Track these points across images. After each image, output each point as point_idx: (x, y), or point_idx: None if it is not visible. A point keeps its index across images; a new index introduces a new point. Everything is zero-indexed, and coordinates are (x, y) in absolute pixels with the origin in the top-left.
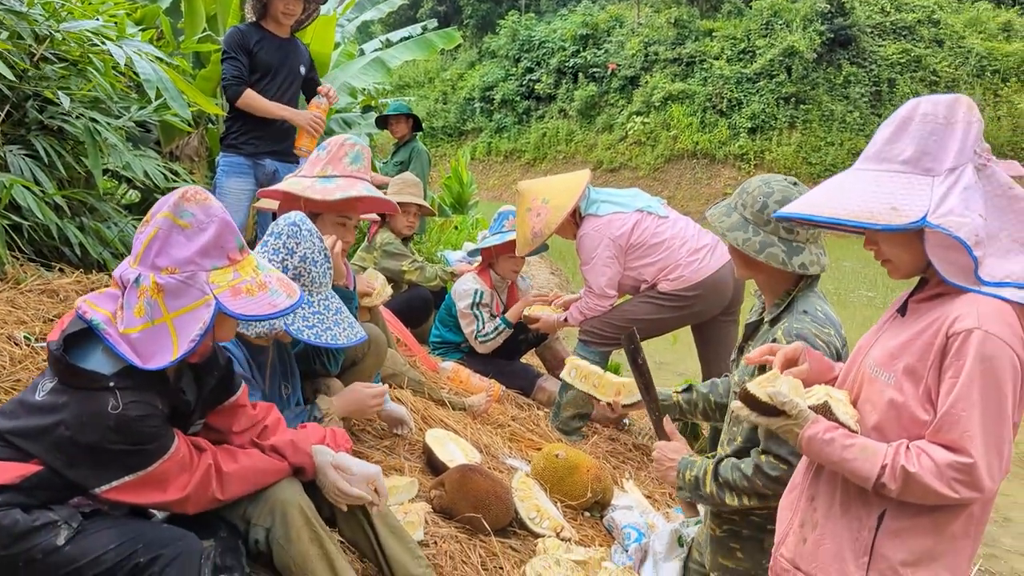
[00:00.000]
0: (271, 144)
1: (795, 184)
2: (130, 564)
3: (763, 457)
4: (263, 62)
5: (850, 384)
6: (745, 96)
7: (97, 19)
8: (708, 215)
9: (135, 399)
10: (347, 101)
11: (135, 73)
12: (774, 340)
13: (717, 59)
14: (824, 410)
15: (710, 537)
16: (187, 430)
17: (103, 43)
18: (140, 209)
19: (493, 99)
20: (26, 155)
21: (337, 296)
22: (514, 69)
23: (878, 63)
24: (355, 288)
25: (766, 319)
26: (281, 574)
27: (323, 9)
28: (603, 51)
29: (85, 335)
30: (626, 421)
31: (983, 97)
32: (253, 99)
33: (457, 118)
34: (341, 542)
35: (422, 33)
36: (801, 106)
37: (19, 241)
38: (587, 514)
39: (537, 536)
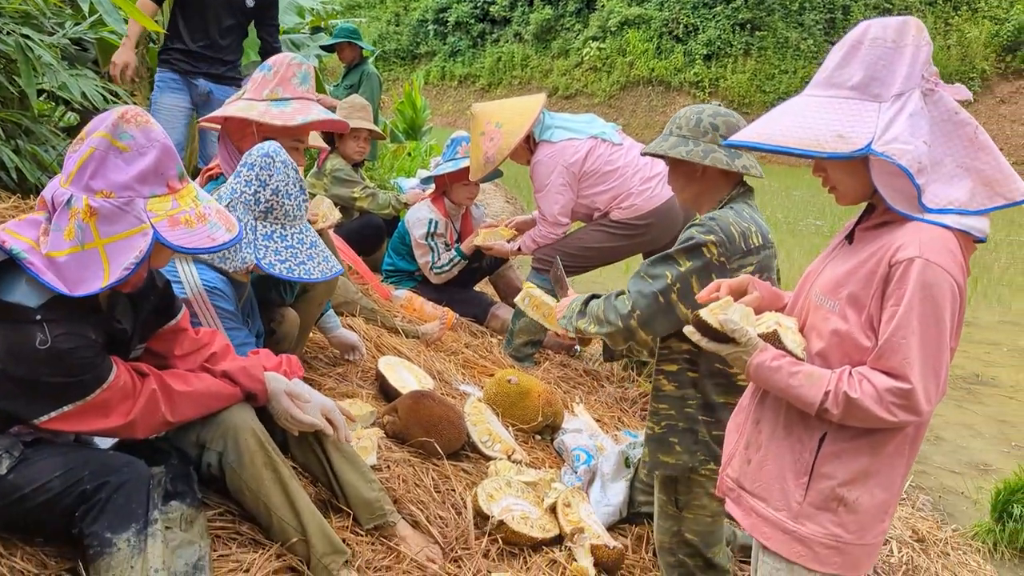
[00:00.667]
0: (206, 64)
1: (721, 105)
2: (76, 491)
3: (622, 296)
4: None
5: (798, 312)
6: (701, 22)
7: None
8: (644, 151)
9: (65, 331)
10: (295, 22)
11: None
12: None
13: None
14: (773, 338)
15: (649, 437)
16: (127, 356)
17: None
18: (78, 132)
19: (447, 21)
20: None
21: (312, 230)
22: None
23: None
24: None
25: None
26: (234, 498)
27: None
28: None
29: (8, 266)
30: (577, 348)
31: (934, 25)
32: (135, 14)
33: (410, 41)
34: (294, 467)
35: None
36: (756, 33)
37: None
38: (538, 437)
39: (489, 459)
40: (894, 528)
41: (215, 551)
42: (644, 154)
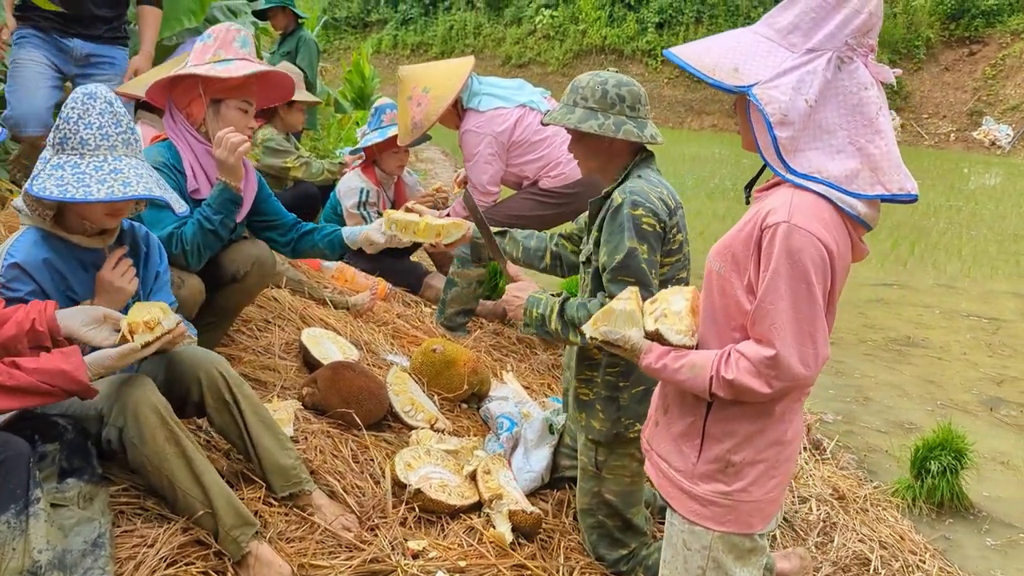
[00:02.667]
0: (79, 25)
1: (618, 72)
2: None
3: (607, 299)
4: None
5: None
6: None
7: None
8: (546, 120)
9: None
10: None
11: None
12: (610, 201)
13: None
14: (657, 336)
15: (577, 400)
16: None
17: None
18: None
19: None
20: None
21: (128, 160)
22: None
23: None
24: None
25: (605, 193)
26: (136, 472)
27: None
28: None
29: None
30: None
31: None
32: None
33: (360, 8)
34: (200, 430)
35: None
36: (707, 1)
37: None
38: (464, 406)
39: (411, 429)
40: (814, 487)
41: (119, 527)
42: (546, 124)
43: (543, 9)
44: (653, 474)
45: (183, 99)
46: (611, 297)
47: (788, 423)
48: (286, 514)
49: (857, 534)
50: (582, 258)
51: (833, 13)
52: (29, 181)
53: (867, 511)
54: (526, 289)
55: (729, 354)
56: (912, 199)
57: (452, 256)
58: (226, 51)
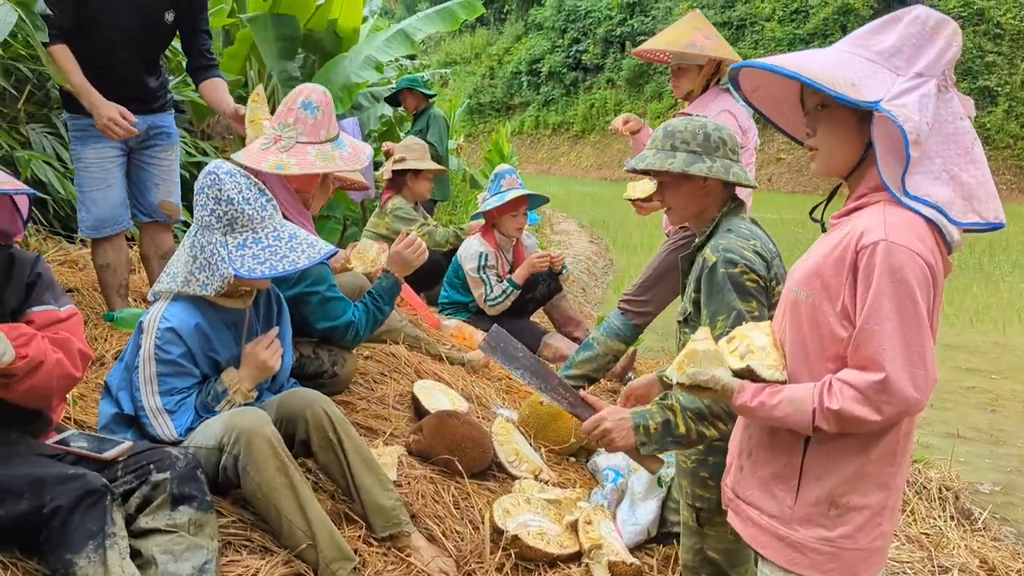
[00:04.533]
0: (134, 99)
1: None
2: (37, 515)
3: None
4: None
5: (780, 309)
6: None
7: None
8: (639, 166)
9: None
10: (375, 77)
11: None
12: (703, 260)
13: (768, 21)
14: (748, 373)
15: (682, 470)
16: None
17: None
18: None
19: (540, 72)
20: (48, 133)
21: (290, 224)
22: (560, 41)
23: None
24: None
25: (697, 245)
26: (247, 501)
27: None
28: (650, 18)
29: None
30: (630, 375)
31: None
32: (60, 61)
33: (504, 93)
34: (311, 471)
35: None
36: None
37: (43, 215)
38: (572, 459)
39: (515, 479)
40: (958, 556)
41: (225, 556)
42: (637, 171)
43: None
44: (740, 524)
45: (298, 178)
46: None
47: (897, 467)
48: (385, 554)
49: None
50: (679, 317)
51: (931, 41)
52: (227, 265)
53: None
54: (619, 411)
55: (830, 384)
56: (1000, 226)
57: (571, 316)
58: (332, 125)
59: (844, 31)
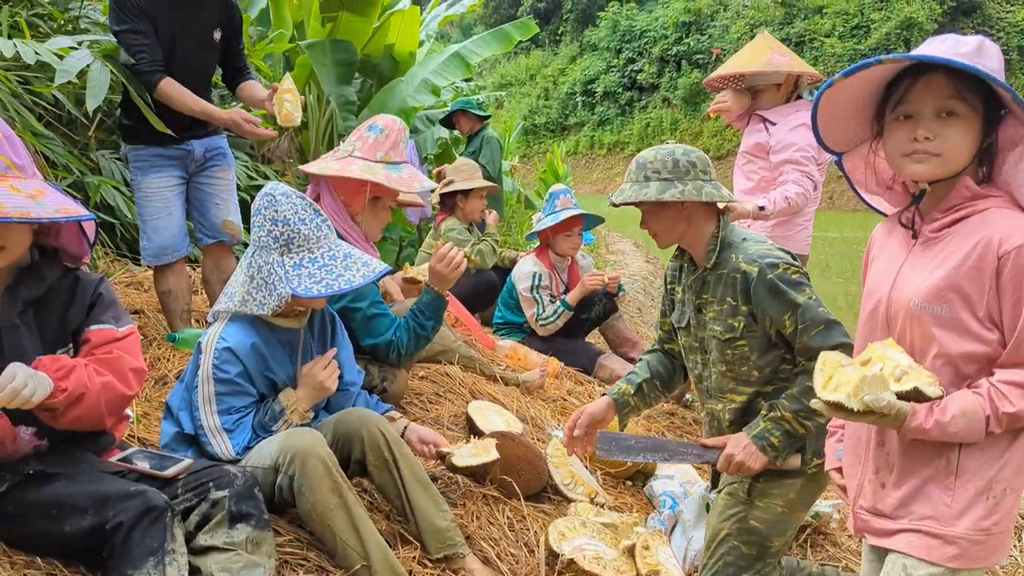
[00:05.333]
0: (190, 126)
1: (675, 141)
2: (100, 531)
3: (814, 363)
4: (162, 26)
5: (881, 327)
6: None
7: None
8: (616, 200)
9: None
10: (431, 101)
11: None
12: (742, 274)
13: (828, 37)
14: (915, 394)
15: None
16: (52, 351)
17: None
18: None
19: (595, 92)
20: (116, 159)
21: (344, 244)
22: (616, 60)
23: (1006, 30)
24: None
25: (708, 266)
26: (303, 521)
27: (404, 3)
28: (707, 36)
29: None
30: (688, 396)
31: None
32: (174, 91)
33: (559, 113)
34: (366, 491)
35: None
36: None
37: (111, 239)
38: (628, 483)
39: (571, 501)
40: None
41: (282, 575)
42: (617, 204)
43: None
44: (888, 542)
45: (345, 189)
46: (810, 358)
47: None
48: (439, 575)
49: None
50: (723, 336)
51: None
52: (284, 285)
53: None
54: (739, 439)
55: (994, 388)
56: None
57: (627, 336)
58: (395, 152)
59: (907, 46)
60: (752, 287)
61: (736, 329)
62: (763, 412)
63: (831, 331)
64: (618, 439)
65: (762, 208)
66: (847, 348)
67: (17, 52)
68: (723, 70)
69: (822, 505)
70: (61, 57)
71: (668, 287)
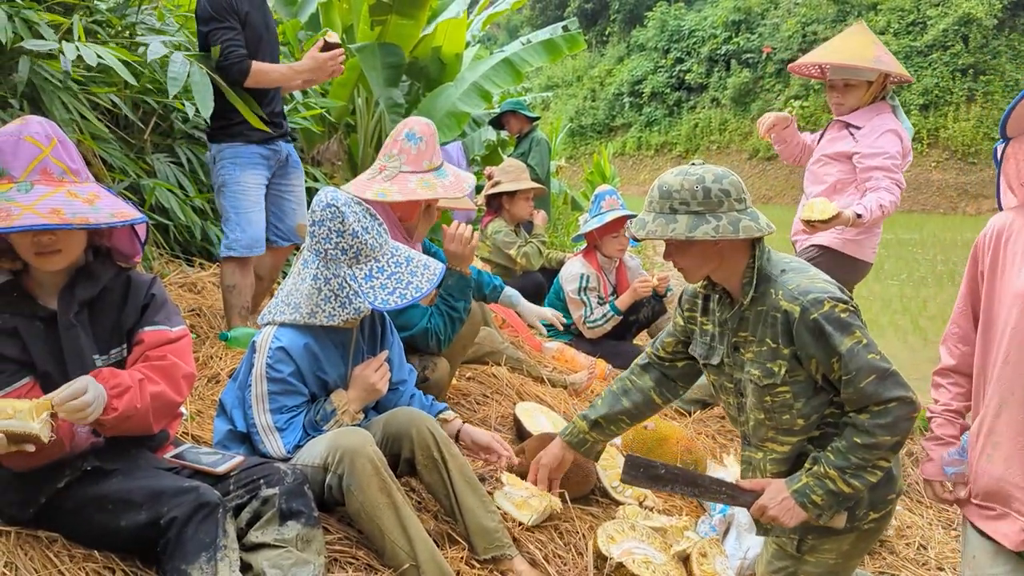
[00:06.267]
0: (279, 125)
1: (702, 162)
2: (155, 525)
3: (864, 416)
4: (252, 21)
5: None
6: (916, 71)
7: None
8: (639, 234)
9: None
10: (481, 108)
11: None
12: (783, 314)
13: (883, 34)
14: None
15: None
16: (102, 353)
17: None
18: None
19: (642, 92)
20: (172, 162)
21: (401, 246)
22: (663, 60)
23: None
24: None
25: (744, 302)
26: (352, 520)
27: (454, 11)
28: (757, 35)
29: None
30: None
31: None
32: (263, 68)
33: (606, 114)
34: (413, 490)
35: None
36: (981, 78)
37: (165, 240)
38: None
39: (619, 504)
40: None
41: (331, 573)
42: (640, 239)
43: (792, 101)
44: None
45: (402, 205)
46: (862, 410)
47: None
48: None
49: None
50: (761, 382)
51: None
52: (361, 299)
53: None
54: (778, 488)
55: None
56: None
57: None
58: (435, 155)
59: (966, 42)
60: (795, 328)
61: (776, 375)
62: (807, 465)
63: (885, 381)
64: (647, 467)
65: (859, 216)
66: (903, 403)
67: (79, 55)
68: (823, 57)
69: None
70: (124, 62)
71: (686, 315)
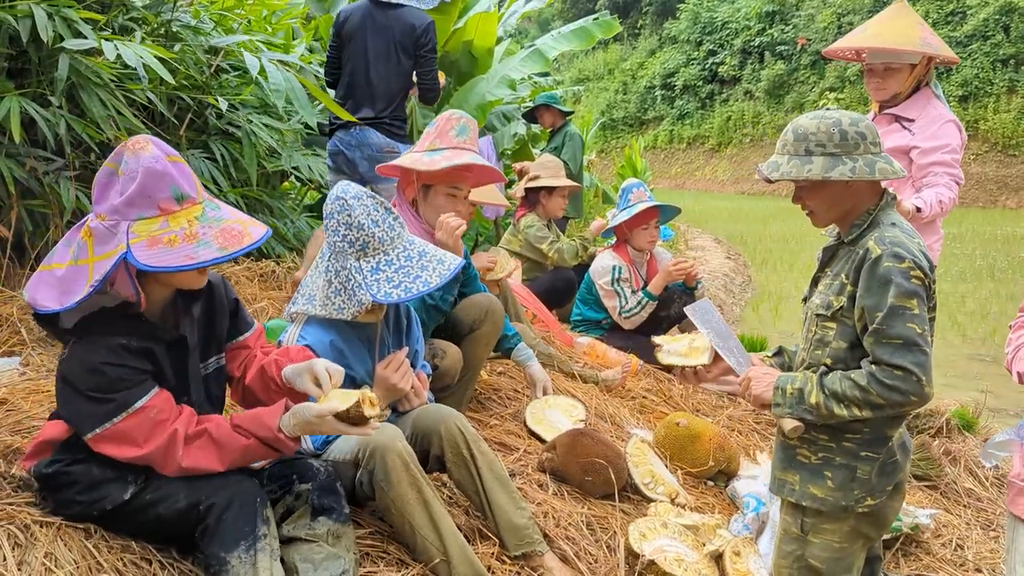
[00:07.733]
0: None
1: (835, 107)
2: (195, 511)
3: (874, 367)
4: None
5: None
6: None
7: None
8: (772, 176)
9: (91, 344)
10: (509, 95)
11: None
12: (864, 251)
13: None
14: None
15: (799, 464)
16: (197, 366)
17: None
18: (319, 209)
19: (674, 85)
20: (206, 158)
21: (418, 240)
22: (696, 53)
23: None
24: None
25: (846, 240)
26: (383, 516)
27: (484, 5)
28: (791, 27)
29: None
30: None
31: None
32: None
33: (637, 108)
34: (443, 485)
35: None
36: (1022, 68)
37: None
38: (710, 483)
39: (651, 501)
40: None
41: (363, 567)
42: (773, 180)
43: (827, 93)
44: None
45: (402, 181)
46: (877, 363)
47: None
48: (517, 572)
49: None
50: (820, 311)
51: None
52: (364, 291)
53: None
54: (773, 373)
55: None
56: None
57: None
58: (441, 140)
59: (1007, 32)
60: (865, 267)
61: (832, 307)
62: (814, 368)
63: (909, 351)
64: (710, 312)
65: (919, 210)
66: (910, 378)
67: (119, 54)
68: (865, 41)
69: (920, 516)
70: (162, 60)
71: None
